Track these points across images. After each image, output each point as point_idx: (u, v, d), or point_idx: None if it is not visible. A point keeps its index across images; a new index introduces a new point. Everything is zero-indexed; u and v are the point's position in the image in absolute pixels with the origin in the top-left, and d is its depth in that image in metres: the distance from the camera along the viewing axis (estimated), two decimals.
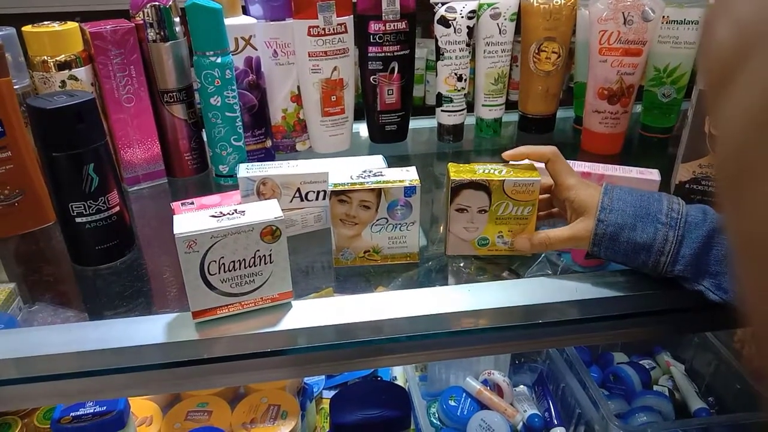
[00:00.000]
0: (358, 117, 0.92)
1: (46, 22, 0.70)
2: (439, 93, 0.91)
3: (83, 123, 0.57)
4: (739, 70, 0.20)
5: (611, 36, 0.82)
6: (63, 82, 0.70)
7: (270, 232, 0.50)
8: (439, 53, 0.88)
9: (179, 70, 0.77)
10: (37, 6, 1.50)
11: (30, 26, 0.69)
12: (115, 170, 0.63)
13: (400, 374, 1.08)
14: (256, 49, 0.80)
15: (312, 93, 0.84)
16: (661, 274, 0.53)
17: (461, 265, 0.63)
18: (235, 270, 0.50)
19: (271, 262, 0.51)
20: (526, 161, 0.62)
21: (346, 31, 0.82)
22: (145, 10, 0.73)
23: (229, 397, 0.91)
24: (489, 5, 0.87)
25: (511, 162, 0.63)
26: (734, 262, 0.22)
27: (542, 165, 0.60)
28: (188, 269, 0.49)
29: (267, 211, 0.50)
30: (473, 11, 0.86)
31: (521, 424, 0.99)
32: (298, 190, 0.65)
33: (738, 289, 0.22)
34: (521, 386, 1.08)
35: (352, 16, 0.82)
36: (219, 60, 0.73)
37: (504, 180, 0.58)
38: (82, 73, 0.71)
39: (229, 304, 0.51)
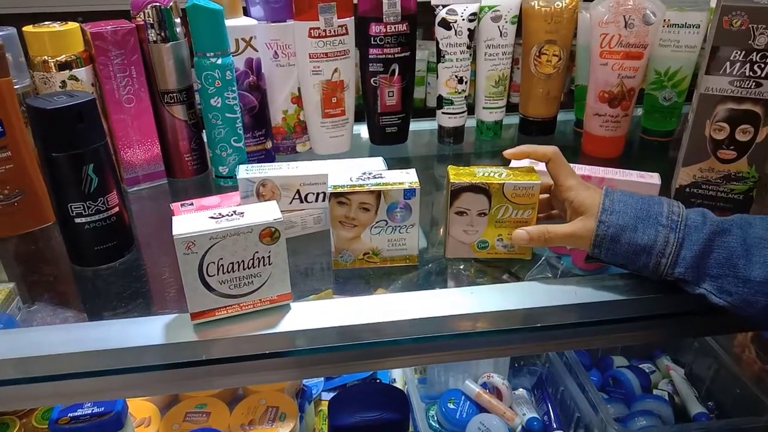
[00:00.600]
0: (358, 119, 0.92)
1: (47, 23, 0.70)
2: (439, 95, 0.91)
3: (83, 123, 0.57)
4: None
5: (612, 39, 0.82)
6: (63, 82, 0.70)
7: (269, 233, 0.50)
8: (439, 55, 0.88)
9: (180, 70, 0.77)
10: (38, 6, 1.50)
11: (31, 26, 0.69)
12: (115, 171, 0.63)
13: (400, 377, 1.08)
14: (257, 51, 0.80)
15: (312, 94, 0.84)
16: (662, 276, 0.53)
17: (461, 267, 0.63)
18: (233, 271, 0.50)
19: (270, 264, 0.51)
20: (527, 162, 0.62)
21: (346, 33, 0.82)
22: (146, 11, 0.73)
23: (228, 398, 0.91)
24: (490, 8, 0.87)
25: (511, 163, 0.63)
26: None
27: (542, 166, 0.60)
28: (187, 270, 0.48)
29: (266, 212, 0.50)
30: (474, 14, 0.86)
31: (520, 427, 0.98)
32: (298, 191, 0.65)
33: None
34: (520, 389, 1.07)
35: (353, 17, 0.82)
36: (219, 61, 0.73)
37: (504, 183, 0.58)
38: (83, 73, 0.71)
39: (228, 306, 0.51)
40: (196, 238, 0.47)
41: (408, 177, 0.60)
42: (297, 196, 0.66)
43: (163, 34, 0.75)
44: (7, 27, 0.71)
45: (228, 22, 0.75)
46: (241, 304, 0.52)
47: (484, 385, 1.03)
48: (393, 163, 0.69)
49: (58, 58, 0.69)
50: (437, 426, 1.01)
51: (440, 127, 0.94)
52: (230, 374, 0.53)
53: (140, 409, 0.87)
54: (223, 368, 0.51)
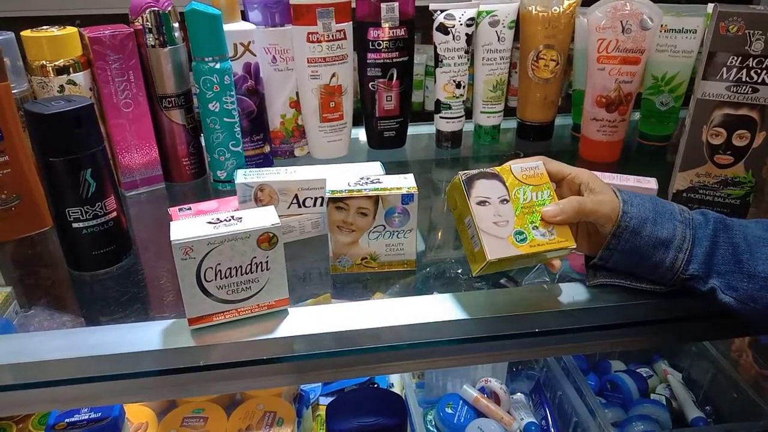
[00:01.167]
0: (356, 123, 0.92)
1: (44, 27, 0.70)
2: (437, 100, 0.91)
3: (81, 128, 0.57)
4: None
5: (609, 44, 0.82)
6: (61, 86, 0.70)
7: (267, 238, 0.50)
8: (437, 60, 0.88)
9: (178, 75, 0.77)
10: (35, 10, 1.50)
11: (29, 31, 0.69)
12: (113, 175, 0.63)
13: (397, 381, 1.08)
14: (255, 55, 0.80)
15: (311, 99, 0.84)
16: (676, 274, 0.52)
17: (459, 272, 0.63)
18: (231, 277, 0.50)
19: (267, 269, 0.51)
20: None
21: (345, 38, 0.82)
22: (145, 15, 0.73)
23: (225, 403, 0.91)
24: (488, 13, 0.87)
25: None
26: None
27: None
28: (184, 276, 0.48)
29: (264, 217, 0.50)
30: (472, 18, 0.86)
31: (518, 431, 0.98)
32: (296, 196, 0.65)
33: None
34: (518, 394, 1.07)
35: (351, 22, 0.82)
36: (218, 65, 0.73)
37: (510, 165, 0.57)
38: (81, 77, 0.71)
39: (226, 311, 0.51)
40: (194, 243, 0.47)
41: (406, 182, 0.60)
42: (295, 201, 0.66)
43: (161, 38, 0.75)
44: (5, 31, 0.71)
45: (226, 27, 0.75)
46: (239, 310, 0.52)
47: (482, 390, 1.03)
48: (391, 168, 0.69)
49: (56, 63, 0.69)
50: (435, 431, 1.01)
51: (438, 131, 0.94)
52: (228, 379, 0.53)
53: (137, 414, 0.87)
54: (220, 373, 0.51)
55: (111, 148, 0.76)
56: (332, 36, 0.81)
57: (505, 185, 0.56)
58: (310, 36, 0.80)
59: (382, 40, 0.84)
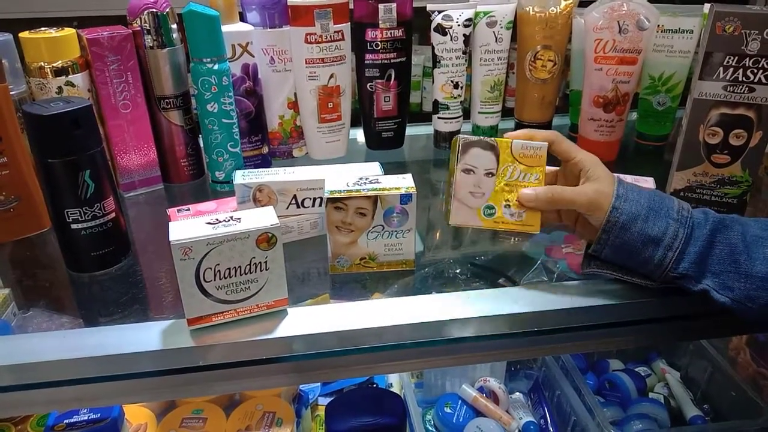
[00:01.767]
0: (354, 124, 0.92)
1: (43, 28, 0.71)
2: (435, 100, 0.91)
3: (79, 129, 0.57)
4: None
5: (606, 44, 0.82)
6: (60, 88, 0.70)
7: (266, 239, 0.50)
8: (435, 61, 0.89)
9: (176, 76, 0.77)
10: (34, 11, 1.50)
11: (27, 32, 0.69)
12: (111, 177, 0.63)
13: (396, 381, 1.08)
14: (253, 56, 0.80)
15: (309, 100, 0.84)
16: (664, 272, 0.52)
17: (457, 271, 0.63)
18: (230, 277, 0.50)
19: (266, 269, 0.51)
20: None
21: (343, 39, 0.82)
22: (143, 17, 0.73)
23: (224, 403, 0.91)
24: (485, 13, 0.87)
25: None
26: None
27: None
28: (183, 276, 0.48)
29: (263, 218, 0.50)
30: (469, 19, 0.86)
31: (517, 431, 0.99)
32: (295, 196, 0.65)
33: None
34: (517, 393, 1.08)
35: (349, 23, 0.83)
36: (216, 67, 0.73)
37: (512, 141, 0.57)
38: (79, 79, 0.71)
39: (225, 312, 0.51)
40: (193, 244, 0.48)
41: (404, 182, 0.60)
42: (294, 202, 0.66)
43: (159, 39, 0.75)
44: (4, 33, 0.71)
45: (224, 28, 0.75)
46: (238, 310, 0.52)
47: (480, 389, 1.03)
48: (389, 168, 0.69)
49: (55, 64, 0.69)
50: (434, 430, 1.01)
51: (436, 131, 0.94)
52: (227, 380, 0.53)
53: (136, 415, 0.87)
54: (219, 374, 0.51)
55: (109, 149, 0.77)
56: (330, 37, 0.81)
57: (497, 159, 0.57)
58: (308, 37, 0.80)
59: (380, 41, 0.84)
